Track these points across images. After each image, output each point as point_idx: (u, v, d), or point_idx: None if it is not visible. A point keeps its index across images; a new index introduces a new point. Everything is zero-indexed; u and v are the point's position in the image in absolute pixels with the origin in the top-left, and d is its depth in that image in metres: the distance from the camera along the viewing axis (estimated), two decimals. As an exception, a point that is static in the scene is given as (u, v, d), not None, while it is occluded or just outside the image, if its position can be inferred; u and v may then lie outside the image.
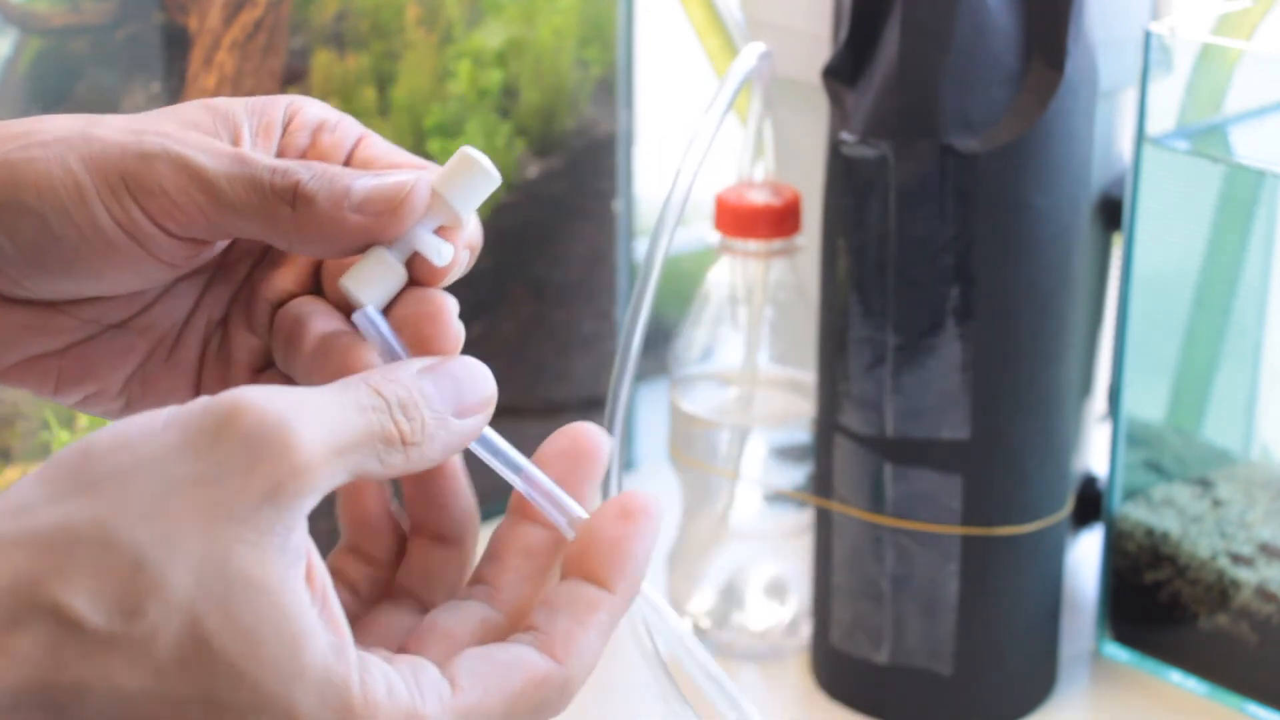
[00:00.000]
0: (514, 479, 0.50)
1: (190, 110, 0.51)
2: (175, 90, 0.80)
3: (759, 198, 0.83)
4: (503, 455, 0.50)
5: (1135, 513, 0.84)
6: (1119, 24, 0.82)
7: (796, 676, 0.85)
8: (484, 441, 0.49)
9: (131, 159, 0.48)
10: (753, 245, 0.83)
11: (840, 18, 0.78)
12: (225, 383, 0.52)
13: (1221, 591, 0.82)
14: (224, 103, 0.52)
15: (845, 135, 0.75)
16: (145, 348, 0.52)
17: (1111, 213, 0.87)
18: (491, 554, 0.51)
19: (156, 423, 0.43)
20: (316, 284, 0.53)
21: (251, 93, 0.82)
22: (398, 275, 0.49)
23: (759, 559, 0.88)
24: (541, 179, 0.94)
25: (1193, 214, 0.82)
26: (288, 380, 0.51)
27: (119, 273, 0.49)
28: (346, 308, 0.51)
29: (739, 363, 0.86)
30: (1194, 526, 0.83)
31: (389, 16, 0.86)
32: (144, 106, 0.80)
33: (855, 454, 0.78)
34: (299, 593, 0.42)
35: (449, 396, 0.47)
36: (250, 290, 0.53)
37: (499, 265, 0.93)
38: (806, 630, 0.86)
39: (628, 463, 1.01)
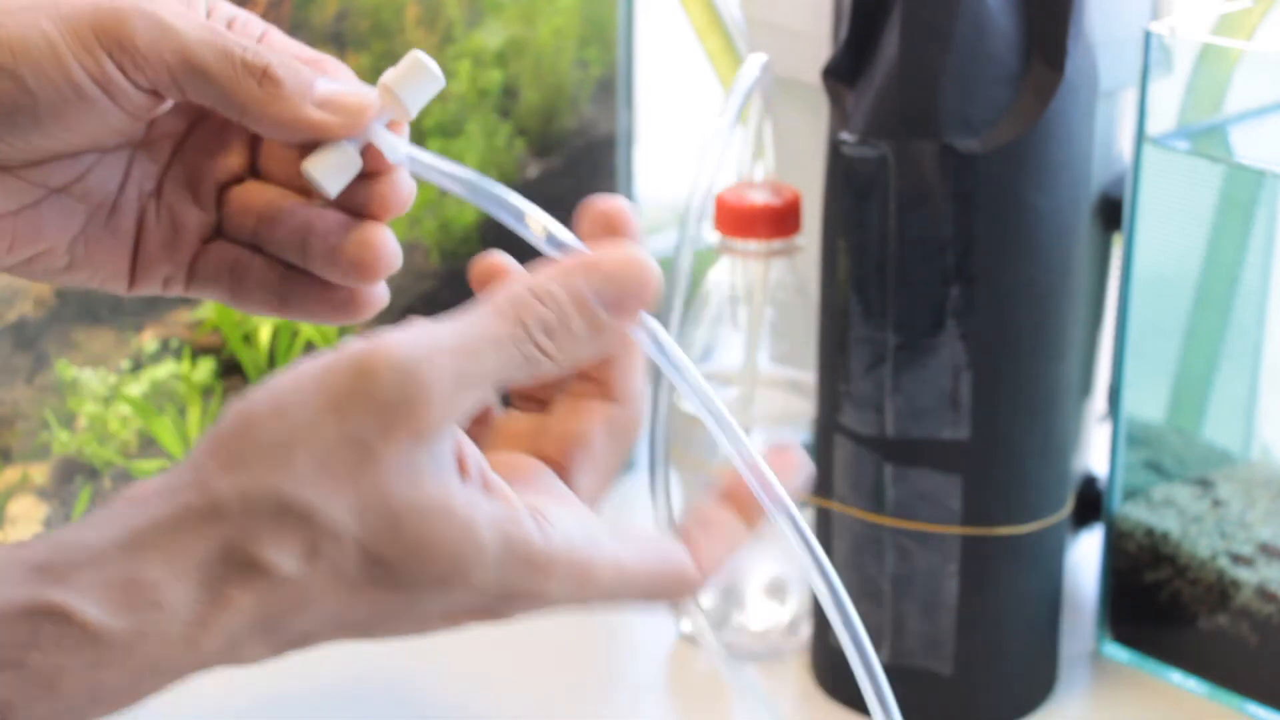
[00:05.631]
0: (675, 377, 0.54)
1: None
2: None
3: (759, 198, 0.83)
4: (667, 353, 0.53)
5: (1135, 513, 0.84)
6: (1119, 24, 0.82)
7: (796, 676, 0.85)
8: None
9: (105, 15, 0.53)
10: (753, 245, 0.83)
11: (840, 18, 0.78)
12: (173, 248, 0.58)
13: (1221, 591, 0.82)
14: None
15: (845, 135, 0.75)
16: (85, 212, 0.57)
17: (1111, 213, 0.87)
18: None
19: (306, 386, 0.48)
20: (254, 164, 0.58)
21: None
22: (355, 164, 0.55)
23: (759, 559, 0.88)
24: (541, 179, 0.94)
25: (1193, 214, 0.82)
26: (240, 248, 0.58)
27: (85, 123, 0.54)
28: (293, 186, 0.57)
29: (739, 363, 0.86)
30: (1194, 526, 0.83)
31: (389, 16, 0.86)
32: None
33: (855, 454, 0.78)
34: (454, 491, 0.48)
35: (606, 296, 0.51)
36: (189, 168, 0.58)
37: (499, 265, 0.93)
38: (806, 630, 0.86)
39: (627, 463, 1.01)
